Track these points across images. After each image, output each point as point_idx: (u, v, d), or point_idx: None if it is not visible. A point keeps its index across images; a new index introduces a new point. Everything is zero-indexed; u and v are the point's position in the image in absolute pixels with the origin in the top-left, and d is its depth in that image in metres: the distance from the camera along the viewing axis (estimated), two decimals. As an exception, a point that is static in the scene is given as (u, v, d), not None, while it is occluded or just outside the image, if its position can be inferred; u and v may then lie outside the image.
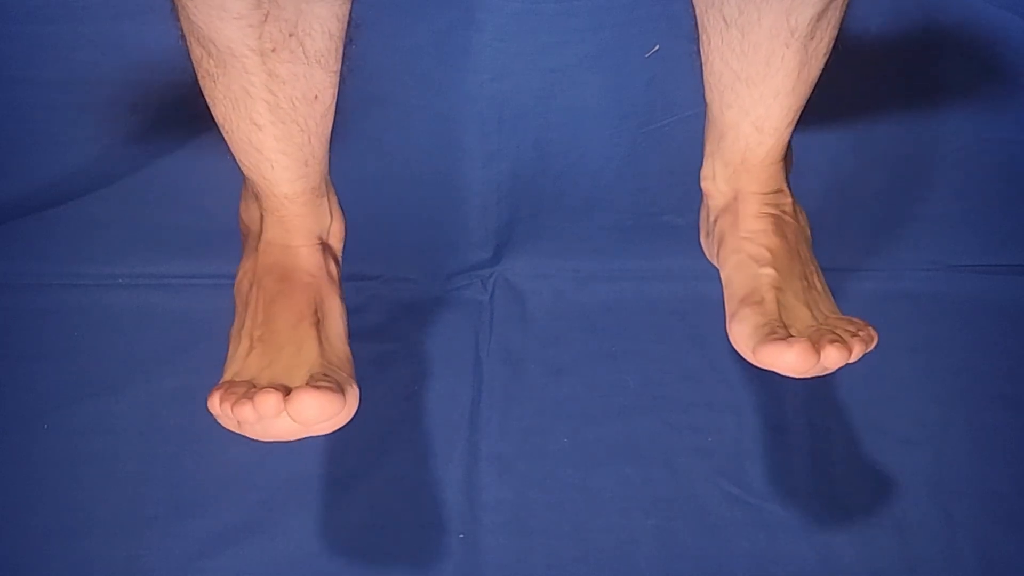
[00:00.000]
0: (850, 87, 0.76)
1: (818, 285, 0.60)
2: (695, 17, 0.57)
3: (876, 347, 0.84)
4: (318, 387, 0.51)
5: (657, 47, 0.73)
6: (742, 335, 0.55)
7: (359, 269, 0.87)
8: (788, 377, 0.81)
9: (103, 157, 0.80)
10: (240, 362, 0.58)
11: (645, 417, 0.80)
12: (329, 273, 0.63)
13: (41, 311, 0.84)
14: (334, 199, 0.65)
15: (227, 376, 0.58)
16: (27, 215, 0.85)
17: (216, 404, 0.54)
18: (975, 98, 0.78)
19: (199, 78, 0.56)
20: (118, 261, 0.86)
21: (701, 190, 0.65)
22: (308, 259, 0.62)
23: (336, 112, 0.58)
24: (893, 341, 0.85)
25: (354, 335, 0.84)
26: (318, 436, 0.77)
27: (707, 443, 0.79)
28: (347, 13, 0.54)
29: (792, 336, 0.53)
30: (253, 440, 0.75)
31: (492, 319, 0.86)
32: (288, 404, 0.51)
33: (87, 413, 0.79)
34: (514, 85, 0.75)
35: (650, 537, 0.74)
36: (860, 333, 0.55)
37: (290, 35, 0.52)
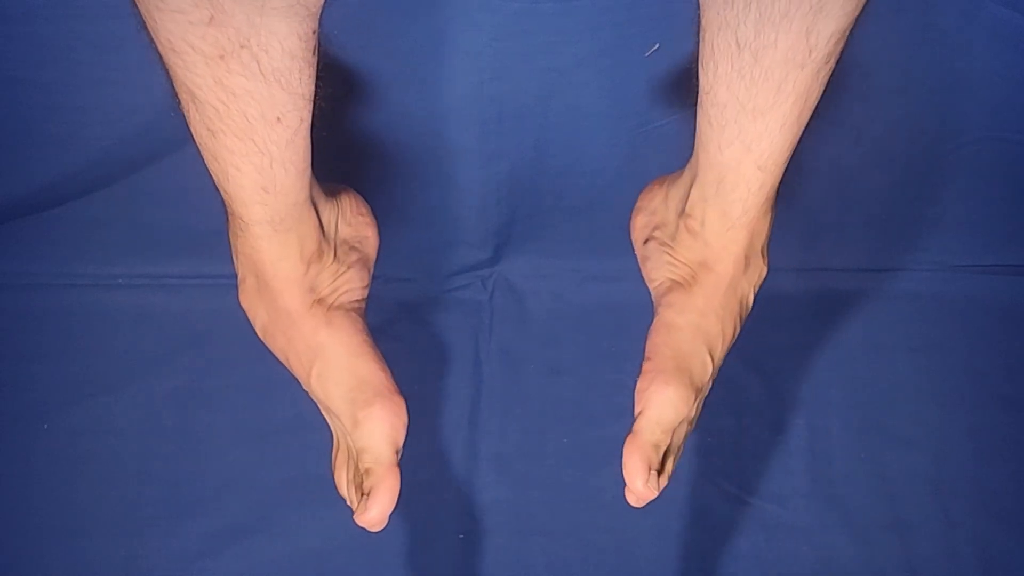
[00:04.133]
0: (850, 87, 0.76)
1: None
2: (699, 46, 0.54)
3: (876, 347, 0.84)
4: (360, 513, 0.56)
5: (657, 46, 0.73)
6: (661, 410, 0.57)
7: (359, 269, 0.87)
8: (788, 378, 0.81)
9: (103, 157, 0.80)
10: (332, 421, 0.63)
11: (645, 417, 0.80)
12: (308, 312, 0.61)
13: (41, 311, 0.84)
14: (311, 238, 0.61)
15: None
16: (27, 215, 0.85)
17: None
18: (975, 98, 0.78)
19: None
20: (118, 261, 0.86)
21: (682, 227, 0.62)
22: (289, 301, 0.60)
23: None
24: (893, 341, 0.85)
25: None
26: (318, 435, 0.77)
27: (707, 443, 0.79)
28: (310, 33, 0.50)
29: (665, 470, 0.57)
30: (251, 440, 0.76)
31: (492, 319, 0.86)
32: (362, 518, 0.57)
33: (87, 413, 0.79)
34: (514, 85, 0.75)
35: (650, 537, 0.74)
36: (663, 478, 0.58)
37: (242, 47, 0.48)
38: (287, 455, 0.77)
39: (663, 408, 0.57)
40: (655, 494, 0.55)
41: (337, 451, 0.63)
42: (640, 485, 0.55)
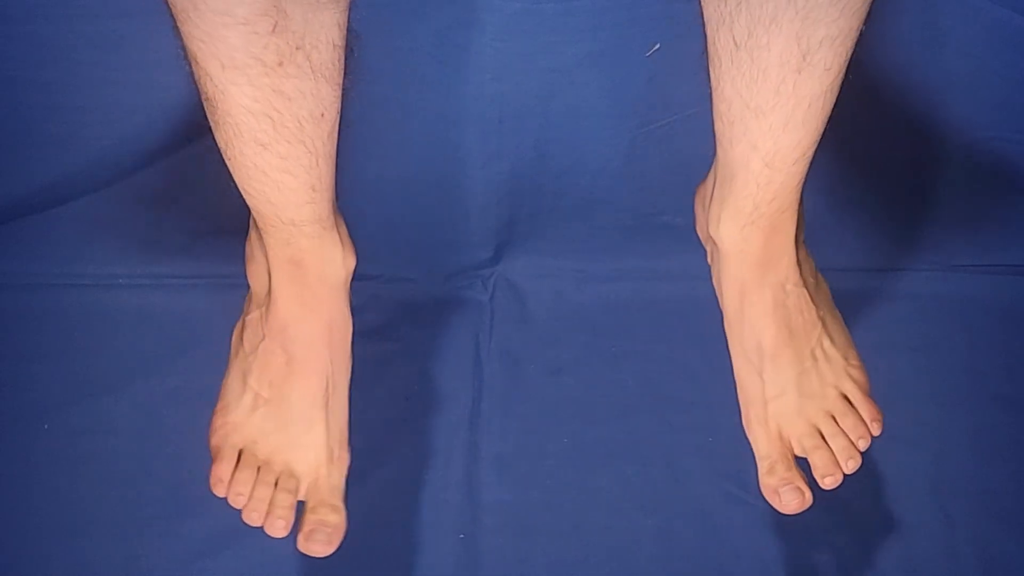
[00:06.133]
0: (850, 87, 0.76)
1: (828, 348, 0.65)
2: (706, 42, 0.56)
3: (876, 347, 0.84)
4: (324, 543, 0.61)
5: (657, 46, 0.73)
6: (755, 443, 0.66)
7: (359, 269, 0.86)
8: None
9: (103, 157, 0.80)
10: (243, 414, 0.63)
11: (645, 417, 0.80)
12: (346, 322, 0.64)
13: (41, 311, 0.84)
14: (345, 235, 0.63)
15: (226, 418, 0.63)
16: (27, 215, 0.85)
17: (222, 488, 0.61)
18: (975, 98, 0.78)
19: (203, 102, 0.55)
20: (118, 261, 0.86)
21: (711, 239, 0.64)
22: (332, 309, 0.63)
23: (352, 95, 0.57)
24: (893, 341, 0.85)
25: (354, 335, 0.84)
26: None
27: (707, 443, 0.79)
28: (346, 21, 0.53)
29: (785, 479, 0.63)
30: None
31: (492, 319, 0.86)
32: (298, 543, 0.61)
33: (87, 413, 0.79)
34: (514, 85, 0.75)
35: (650, 537, 0.74)
36: (859, 442, 0.64)
37: (297, 48, 0.50)
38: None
39: (759, 446, 0.65)
40: (807, 495, 0.63)
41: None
42: (798, 508, 0.63)
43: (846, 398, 0.65)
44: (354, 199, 0.83)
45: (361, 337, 0.84)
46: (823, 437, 0.64)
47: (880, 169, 0.85)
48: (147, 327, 0.83)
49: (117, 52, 0.72)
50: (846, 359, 0.66)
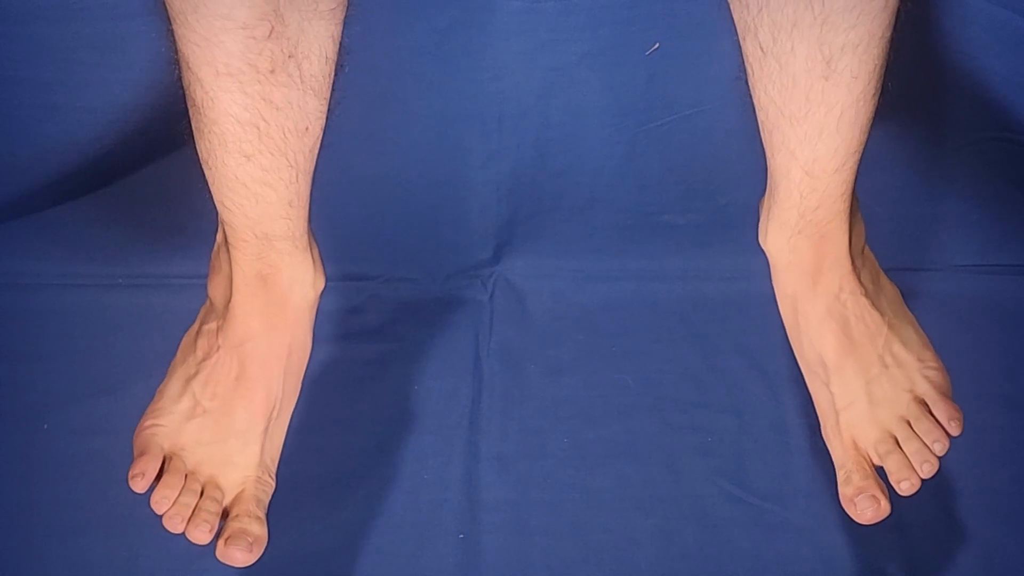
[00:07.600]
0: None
1: (898, 352, 0.64)
2: (740, 53, 0.57)
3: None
4: (245, 551, 0.60)
5: (657, 45, 0.73)
6: (833, 454, 0.65)
7: (359, 269, 0.87)
8: (788, 378, 0.81)
9: (103, 157, 0.80)
10: (178, 420, 0.62)
11: (645, 417, 0.80)
12: (306, 348, 0.63)
13: (41, 311, 0.84)
14: (318, 257, 0.63)
15: (157, 420, 0.62)
16: (27, 215, 0.85)
17: (141, 483, 0.59)
18: (975, 98, 0.78)
19: (189, 110, 0.55)
20: (118, 261, 0.86)
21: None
22: (295, 331, 0.61)
23: (336, 112, 0.58)
24: (893, 341, 0.85)
25: (354, 335, 0.85)
26: (318, 435, 0.77)
27: (707, 443, 0.79)
28: (340, 34, 0.53)
29: (860, 488, 0.62)
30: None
31: (492, 319, 0.86)
32: (217, 549, 0.59)
33: (87, 413, 0.79)
34: (514, 84, 0.75)
35: (650, 537, 0.74)
36: (934, 445, 0.62)
37: (289, 56, 0.51)
38: (287, 455, 0.76)
39: (835, 456, 0.65)
40: (883, 504, 0.62)
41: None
42: (873, 517, 0.62)
43: (923, 402, 0.63)
44: (355, 199, 0.83)
45: (361, 337, 0.85)
46: (897, 443, 0.63)
47: (881, 169, 0.84)
48: (147, 327, 0.83)
49: (117, 52, 0.71)
50: (920, 361, 0.65)
